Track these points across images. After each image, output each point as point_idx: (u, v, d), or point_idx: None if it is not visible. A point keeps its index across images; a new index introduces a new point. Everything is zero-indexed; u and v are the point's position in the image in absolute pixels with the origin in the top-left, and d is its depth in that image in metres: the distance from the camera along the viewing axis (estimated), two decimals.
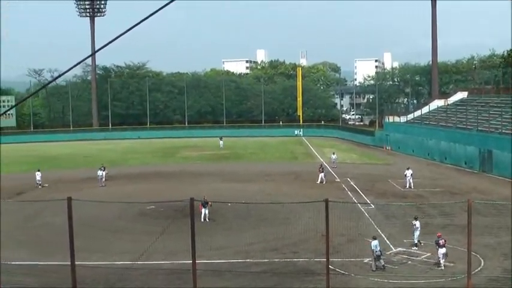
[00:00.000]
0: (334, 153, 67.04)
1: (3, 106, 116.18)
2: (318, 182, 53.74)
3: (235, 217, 38.23)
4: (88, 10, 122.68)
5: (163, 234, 33.36)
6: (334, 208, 26.66)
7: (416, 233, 31.08)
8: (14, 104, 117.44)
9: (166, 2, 9.36)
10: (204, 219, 37.37)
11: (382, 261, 27.04)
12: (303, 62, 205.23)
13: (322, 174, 54.55)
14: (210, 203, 37.42)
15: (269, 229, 34.57)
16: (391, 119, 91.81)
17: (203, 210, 37.40)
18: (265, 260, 28.95)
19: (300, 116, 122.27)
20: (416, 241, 31.04)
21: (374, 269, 26.85)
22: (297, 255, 29.89)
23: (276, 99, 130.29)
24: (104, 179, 55.46)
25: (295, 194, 47.01)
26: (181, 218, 36.44)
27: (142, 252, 29.81)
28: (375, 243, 27.13)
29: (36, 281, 26.78)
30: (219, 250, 29.63)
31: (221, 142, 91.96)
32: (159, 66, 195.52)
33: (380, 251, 27.00)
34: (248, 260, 28.95)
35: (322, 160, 69.53)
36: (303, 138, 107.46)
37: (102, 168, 56.30)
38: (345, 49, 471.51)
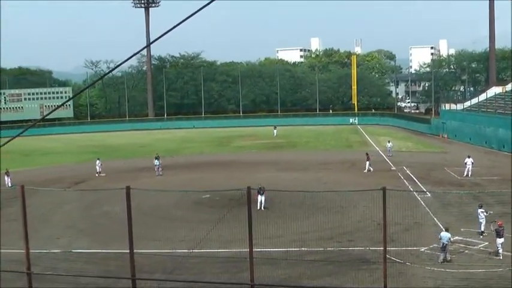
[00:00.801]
0: (389, 142, 66.36)
1: (61, 97, 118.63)
2: (365, 171, 53.67)
3: (290, 206, 38.25)
4: (143, 1, 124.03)
5: (219, 222, 33.68)
6: (390, 196, 26.39)
7: (480, 221, 30.57)
8: (71, 94, 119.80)
9: None
10: (260, 207, 37.51)
11: (443, 254, 26.47)
12: (358, 50, 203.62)
13: (368, 162, 54.36)
14: (263, 189, 37.57)
15: (324, 218, 34.48)
16: (447, 106, 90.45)
17: (259, 197, 37.55)
18: (321, 249, 28.94)
19: (354, 104, 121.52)
20: (482, 229, 30.50)
21: (441, 261, 26.39)
22: (352, 243, 29.79)
23: (330, 87, 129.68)
24: (160, 168, 56.15)
25: (351, 183, 46.85)
26: (236, 206, 36.77)
27: (198, 240, 30.17)
28: (442, 234, 26.64)
29: (96, 269, 27.33)
30: (274, 239, 29.70)
31: (275, 131, 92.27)
32: (213, 55, 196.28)
33: (444, 243, 26.39)
34: (303, 249, 28.94)
35: (377, 148, 69.12)
36: (358, 126, 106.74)
37: (157, 157, 56.99)
38: (399, 37, 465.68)
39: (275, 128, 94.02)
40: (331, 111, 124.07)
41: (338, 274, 25.18)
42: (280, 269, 25.93)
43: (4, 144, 12.02)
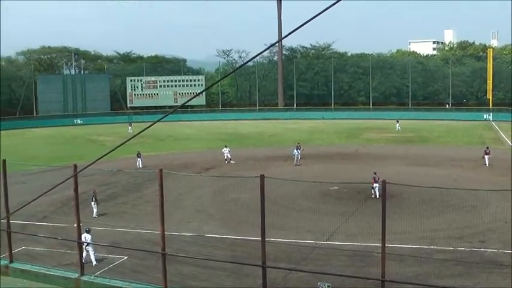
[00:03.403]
0: None
1: (194, 85, 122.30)
2: (487, 165, 53.51)
3: (419, 202, 37.48)
4: None
5: (352, 215, 33.58)
6: None
7: None
8: (204, 83, 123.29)
9: None
10: (375, 195, 38.38)
11: None
12: (494, 42, 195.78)
13: (487, 157, 53.73)
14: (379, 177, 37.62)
15: (455, 216, 33.57)
16: None
17: (375, 185, 37.84)
18: (450, 248, 28.16)
19: (489, 99, 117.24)
20: None
21: None
22: (483, 245, 28.77)
23: (464, 81, 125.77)
24: (300, 158, 56.51)
25: (483, 181, 45.32)
26: (363, 199, 36.60)
27: (326, 232, 30.21)
28: None
29: (223, 254, 27.91)
30: (401, 234, 29.18)
31: (397, 125, 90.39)
32: (344, 46, 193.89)
33: None
34: (432, 247, 28.30)
35: None
36: (492, 123, 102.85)
37: (298, 146, 57.40)
38: None
39: (397, 121, 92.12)
40: (447, 106, 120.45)
41: (469, 275, 24.42)
42: (407, 266, 25.52)
43: (147, 128, 12.68)
